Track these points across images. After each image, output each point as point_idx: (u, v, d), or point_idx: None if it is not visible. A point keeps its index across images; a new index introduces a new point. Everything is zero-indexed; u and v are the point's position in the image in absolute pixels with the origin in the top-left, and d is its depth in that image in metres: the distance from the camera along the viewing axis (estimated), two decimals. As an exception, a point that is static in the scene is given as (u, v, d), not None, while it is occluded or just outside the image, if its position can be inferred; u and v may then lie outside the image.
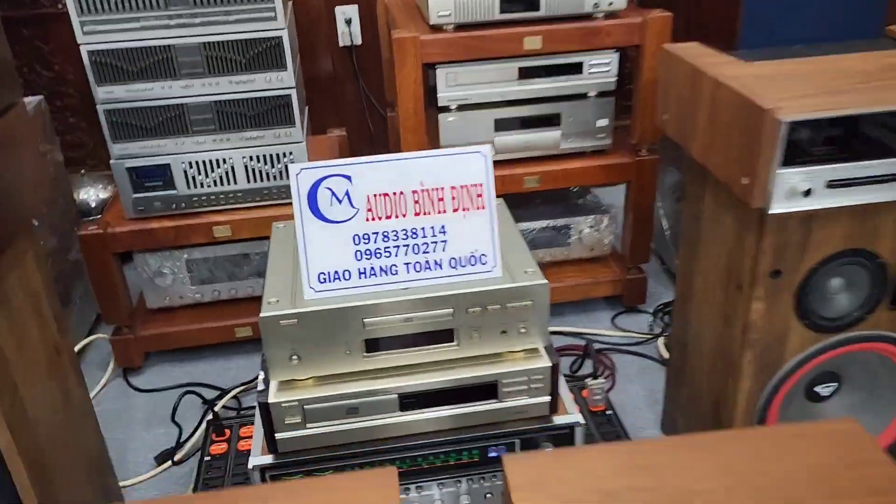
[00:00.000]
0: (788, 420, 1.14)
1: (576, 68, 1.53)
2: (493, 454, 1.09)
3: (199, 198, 1.50)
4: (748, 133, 0.91)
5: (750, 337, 1.05)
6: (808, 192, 0.90)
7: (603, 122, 1.58)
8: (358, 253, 0.99)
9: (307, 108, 1.69)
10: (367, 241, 0.99)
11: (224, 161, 1.48)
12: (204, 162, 1.48)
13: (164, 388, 1.59)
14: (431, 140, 1.59)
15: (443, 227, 1.00)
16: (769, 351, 1.07)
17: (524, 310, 1.01)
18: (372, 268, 0.99)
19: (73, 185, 1.91)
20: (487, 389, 1.03)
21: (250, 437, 1.31)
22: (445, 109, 1.53)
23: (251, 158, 1.49)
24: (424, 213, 1.00)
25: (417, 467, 1.07)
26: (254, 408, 1.51)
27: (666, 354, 1.60)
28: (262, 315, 0.95)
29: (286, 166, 1.51)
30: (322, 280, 0.99)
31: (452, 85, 1.50)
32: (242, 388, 1.56)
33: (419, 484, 1.09)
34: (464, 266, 1.01)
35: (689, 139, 1.08)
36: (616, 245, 1.81)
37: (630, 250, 1.70)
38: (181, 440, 1.39)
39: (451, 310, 0.99)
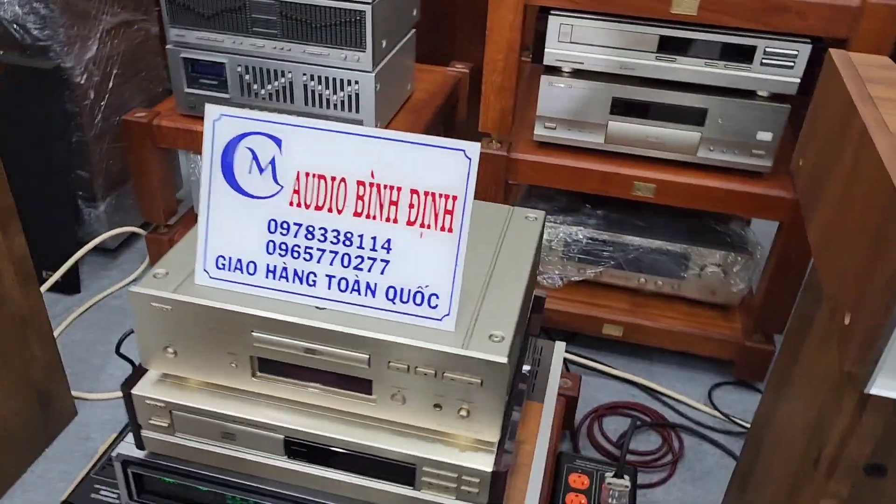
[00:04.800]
0: None
1: (744, 54, 1.10)
2: (407, 544, 0.81)
3: (251, 108, 1.30)
4: (873, 239, 0.51)
5: (806, 542, 0.66)
6: (946, 383, 0.48)
7: (766, 136, 1.14)
8: (271, 244, 0.73)
9: (413, 31, 1.41)
10: (285, 231, 0.72)
11: (282, 74, 1.26)
12: (261, 69, 1.27)
13: (184, 303, 1.46)
14: (523, 109, 1.25)
15: (388, 241, 0.71)
16: (836, 569, 0.67)
17: (468, 388, 0.70)
18: (284, 268, 0.73)
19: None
20: (402, 471, 0.75)
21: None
22: (553, 71, 1.17)
23: (311, 78, 1.25)
24: (368, 217, 0.70)
25: (311, 523, 0.83)
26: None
27: (758, 462, 1.18)
28: (131, 288, 0.74)
29: (350, 97, 1.26)
30: (221, 266, 0.74)
31: (566, 41, 1.13)
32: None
33: (311, 543, 0.84)
34: (405, 302, 0.71)
35: (812, 212, 0.68)
36: (752, 295, 1.38)
37: (762, 310, 1.27)
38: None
39: (367, 356, 0.71)
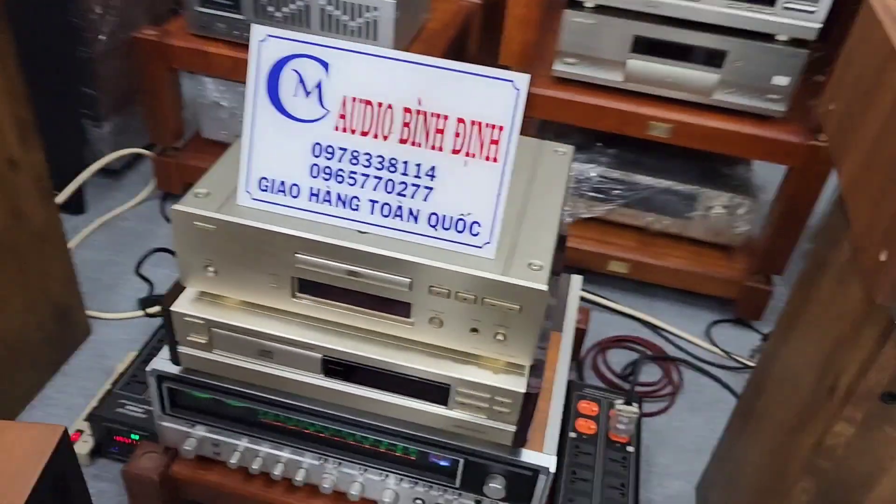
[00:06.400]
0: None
1: (768, -5, 1.11)
2: (434, 461, 0.85)
3: (264, 32, 1.28)
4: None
5: (818, 463, 0.71)
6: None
7: (782, 81, 1.16)
8: (315, 168, 0.74)
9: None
10: (330, 155, 0.73)
11: (300, -4, 1.24)
12: (277, -9, 1.25)
13: (192, 227, 1.46)
14: (546, 43, 1.24)
15: (433, 168, 0.72)
16: (841, 489, 0.72)
17: (507, 314, 0.72)
18: (328, 192, 0.74)
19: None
20: (436, 391, 0.78)
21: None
22: (576, 5, 1.17)
23: (329, 2, 1.23)
24: (414, 144, 0.71)
25: (340, 439, 0.86)
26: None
27: (752, 395, 1.24)
28: (174, 206, 0.74)
29: (369, 23, 1.24)
30: (264, 188, 0.75)
31: (592, -25, 1.13)
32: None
33: (340, 459, 0.88)
34: (447, 229, 0.73)
35: (843, 154, 0.70)
36: (754, 238, 1.41)
37: (765, 252, 1.31)
38: (153, 293, 1.26)
39: (409, 280, 0.73)
